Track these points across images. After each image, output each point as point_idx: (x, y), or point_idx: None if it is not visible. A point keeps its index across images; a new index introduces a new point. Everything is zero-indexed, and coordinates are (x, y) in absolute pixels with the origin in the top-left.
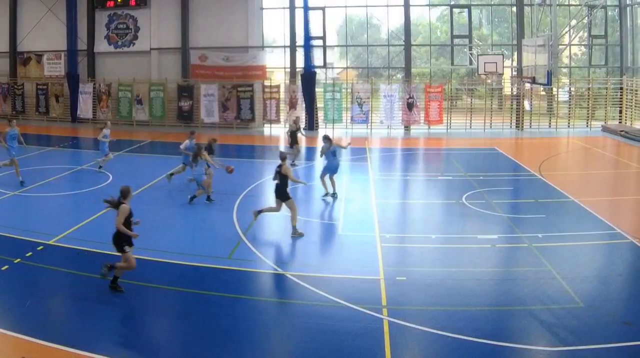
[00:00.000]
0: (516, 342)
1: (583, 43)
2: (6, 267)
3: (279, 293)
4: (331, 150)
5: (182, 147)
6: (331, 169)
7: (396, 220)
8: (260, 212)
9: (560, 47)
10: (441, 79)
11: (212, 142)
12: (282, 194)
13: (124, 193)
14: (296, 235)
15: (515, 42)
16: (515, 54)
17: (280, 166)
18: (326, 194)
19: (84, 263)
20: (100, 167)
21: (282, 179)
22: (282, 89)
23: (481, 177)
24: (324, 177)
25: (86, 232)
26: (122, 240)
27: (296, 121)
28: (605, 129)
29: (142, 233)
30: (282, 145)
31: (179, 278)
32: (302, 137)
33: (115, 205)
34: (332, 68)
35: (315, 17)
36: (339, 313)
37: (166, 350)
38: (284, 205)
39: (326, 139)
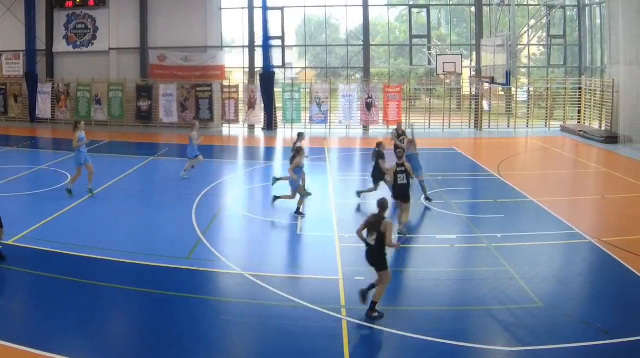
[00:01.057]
0: (475, 342)
1: (542, 43)
2: None
3: (237, 294)
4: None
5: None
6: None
7: (355, 220)
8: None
9: (519, 47)
10: (400, 79)
11: (381, 147)
12: (405, 195)
13: (384, 206)
14: (404, 234)
15: (474, 42)
16: (474, 54)
17: (403, 165)
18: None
19: (43, 263)
20: (185, 170)
21: (407, 178)
22: (240, 89)
23: (440, 177)
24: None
25: (45, 232)
26: (385, 257)
27: (399, 126)
28: (563, 128)
29: (101, 233)
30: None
31: (138, 279)
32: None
33: (378, 221)
34: (291, 68)
35: (274, 17)
36: (298, 314)
37: (124, 350)
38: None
39: (412, 142)
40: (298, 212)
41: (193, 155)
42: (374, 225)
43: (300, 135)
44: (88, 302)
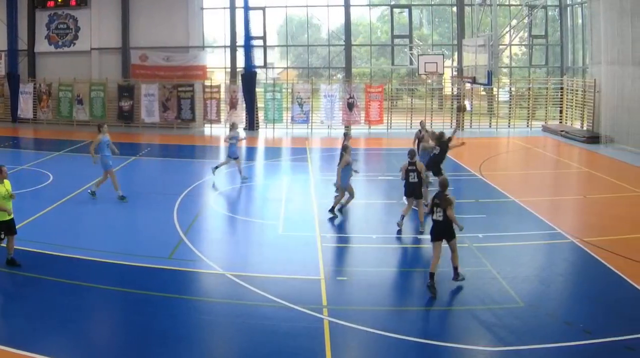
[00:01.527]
0: (457, 342)
1: (523, 43)
2: None
3: (219, 294)
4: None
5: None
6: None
7: (337, 220)
8: (402, 217)
9: (501, 47)
10: (381, 79)
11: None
12: (418, 193)
13: (445, 185)
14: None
15: (455, 42)
16: (456, 54)
17: (414, 164)
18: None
19: (24, 263)
20: (241, 173)
21: (419, 176)
22: (222, 89)
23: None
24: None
25: (26, 232)
26: (453, 228)
27: (422, 123)
28: (545, 128)
29: (82, 233)
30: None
31: (120, 279)
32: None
33: (442, 199)
34: (273, 68)
35: (255, 17)
36: (280, 314)
37: (106, 350)
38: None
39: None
40: (332, 211)
41: (234, 155)
42: (440, 203)
43: (347, 135)
44: (70, 302)
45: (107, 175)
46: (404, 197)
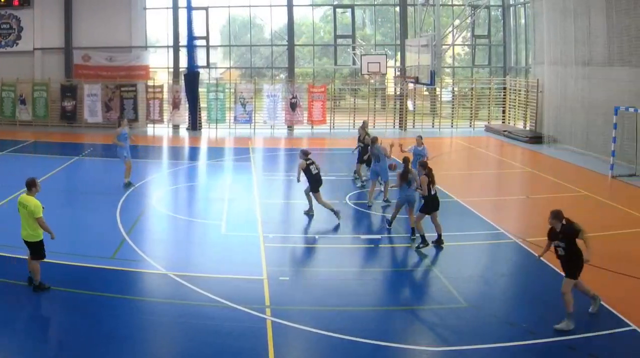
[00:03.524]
0: (399, 341)
1: (466, 43)
2: None
3: (162, 294)
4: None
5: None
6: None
7: (279, 220)
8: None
9: (444, 47)
10: (324, 79)
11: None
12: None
13: (425, 165)
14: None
15: (398, 42)
16: (399, 54)
17: (312, 162)
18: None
19: None
20: (360, 179)
21: (318, 169)
22: (165, 89)
23: (364, 178)
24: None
25: None
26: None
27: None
28: (488, 128)
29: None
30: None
31: (62, 278)
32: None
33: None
34: (216, 68)
35: (198, 17)
36: (222, 314)
37: (49, 350)
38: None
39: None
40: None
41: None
42: (432, 180)
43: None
44: (11, 302)
45: (128, 164)
46: (311, 193)
